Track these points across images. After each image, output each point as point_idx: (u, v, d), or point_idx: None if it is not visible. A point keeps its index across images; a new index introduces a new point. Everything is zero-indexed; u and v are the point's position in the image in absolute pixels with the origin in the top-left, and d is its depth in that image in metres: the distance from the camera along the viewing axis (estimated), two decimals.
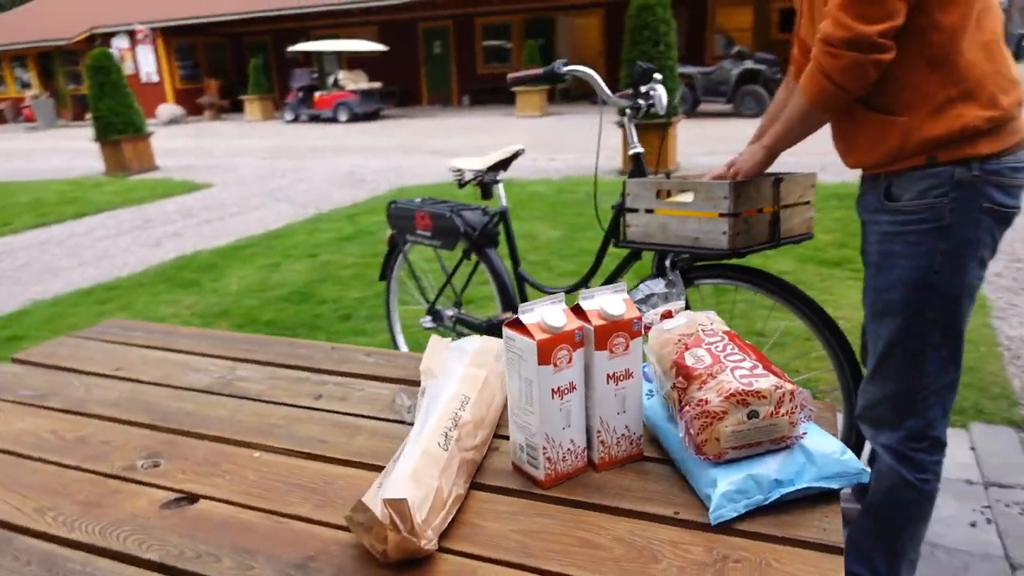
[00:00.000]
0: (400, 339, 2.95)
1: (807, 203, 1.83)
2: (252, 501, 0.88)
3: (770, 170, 1.69)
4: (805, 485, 0.79)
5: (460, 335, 2.61)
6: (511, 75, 2.02)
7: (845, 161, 1.44)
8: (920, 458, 1.41)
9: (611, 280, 2.12)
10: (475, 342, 1.08)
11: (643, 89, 1.99)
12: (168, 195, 8.22)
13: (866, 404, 1.47)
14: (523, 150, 2.38)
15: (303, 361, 1.31)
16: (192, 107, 22.39)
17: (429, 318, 2.68)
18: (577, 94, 21.98)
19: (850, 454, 0.82)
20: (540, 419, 0.85)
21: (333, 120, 18.03)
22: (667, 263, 1.93)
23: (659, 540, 0.76)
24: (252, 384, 1.23)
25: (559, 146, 10.88)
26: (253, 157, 11.55)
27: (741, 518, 0.78)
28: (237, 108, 23.00)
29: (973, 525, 1.89)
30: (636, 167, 2.00)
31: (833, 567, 0.70)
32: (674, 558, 0.73)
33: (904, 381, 1.37)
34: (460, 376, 0.99)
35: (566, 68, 1.94)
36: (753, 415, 0.80)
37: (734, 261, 1.90)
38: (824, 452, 0.81)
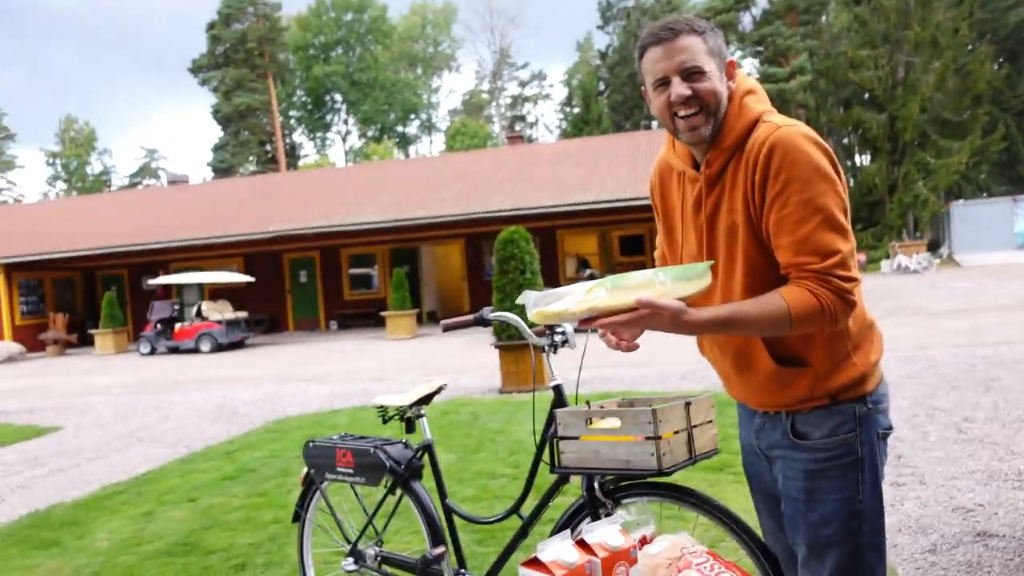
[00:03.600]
0: None
1: (710, 421, 2.09)
2: None
3: (678, 395, 1.95)
4: None
5: None
6: (444, 322, 2.24)
7: (747, 402, 1.63)
8: None
9: (544, 503, 2.23)
10: None
11: (557, 329, 2.27)
12: (6, 443, 7.44)
13: None
14: (445, 385, 2.54)
15: None
16: (34, 344, 20.95)
17: (351, 560, 2.60)
18: (442, 317, 22.84)
19: None
20: None
21: (195, 351, 17.49)
22: (596, 484, 2.08)
23: None
24: None
25: (435, 367, 11.14)
26: (109, 394, 10.84)
27: None
28: (87, 342, 21.76)
29: None
30: (558, 397, 2.21)
31: None
32: None
33: None
34: None
35: (492, 315, 2.19)
36: None
37: (658, 479, 2.08)
38: None
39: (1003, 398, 5.77)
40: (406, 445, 2.56)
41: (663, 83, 1.46)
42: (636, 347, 1.51)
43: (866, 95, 30.03)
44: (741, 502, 3.75)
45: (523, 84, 56.24)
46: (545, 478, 2.21)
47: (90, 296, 23.73)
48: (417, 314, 18.66)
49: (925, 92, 27.25)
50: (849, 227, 1.40)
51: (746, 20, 37.46)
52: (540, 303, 1.42)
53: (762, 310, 1.36)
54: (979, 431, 4.87)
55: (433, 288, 23.18)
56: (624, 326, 1.34)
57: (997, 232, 25.33)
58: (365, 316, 21.40)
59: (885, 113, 28.36)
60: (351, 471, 2.53)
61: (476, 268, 21.64)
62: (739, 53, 38.91)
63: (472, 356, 11.41)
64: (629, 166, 19.52)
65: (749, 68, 36.78)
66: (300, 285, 22.74)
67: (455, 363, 11.34)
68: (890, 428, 1.55)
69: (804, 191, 1.36)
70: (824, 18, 35.88)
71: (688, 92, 1.43)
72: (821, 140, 1.42)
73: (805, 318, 1.34)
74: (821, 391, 1.49)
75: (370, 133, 54.94)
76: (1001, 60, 33.58)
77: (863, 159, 34.38)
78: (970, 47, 29.48)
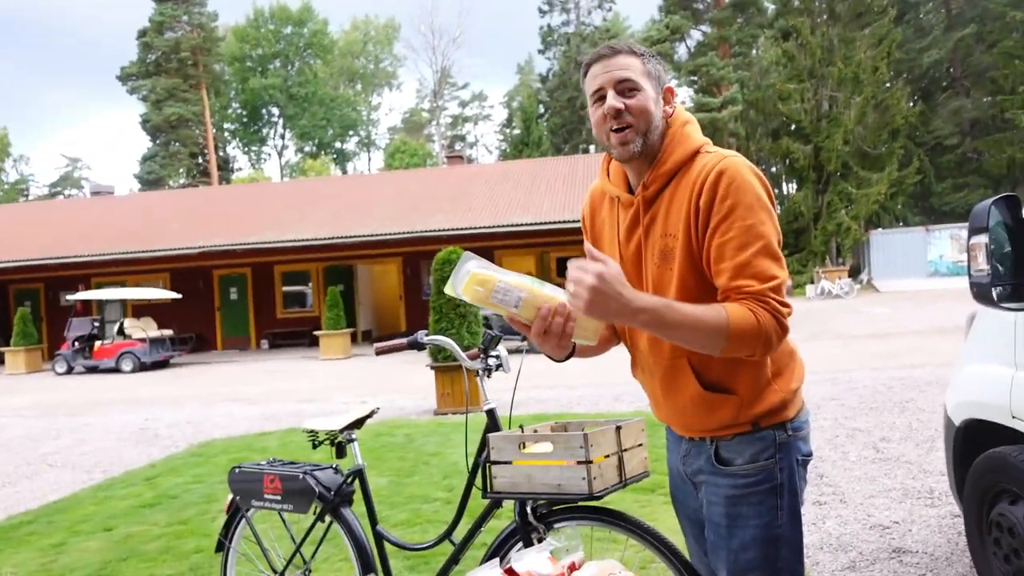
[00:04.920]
0: None
1: (641, 445, 2.12)
2: None
3: (610, 418, 1.97)
4: None
5: None
6: (377, 345, 2.21)
7: (672, 424, 1.67)
8: None
9: (476, 528, 2.21)
10: None
11: (491, 352, 2.27)
12: None
13: None
14: (378, 409, 2.50)
15: None
16: None
17: None
18: (378, 337, 22.56)
19: None
20: None
21: (116, 371, 16.73)
22: (528, 509, 2.08)
23: None
24: None
25: (369, 388, 10.96)
26: (19, 416, 10.25)
27: None
28: None
29: None
30: (491, 421, 2.20)
31: None
32: None
33: None
34: None
35: (426, 339, 2.18)
36: None
37: (589, 503, 2.10)
38: None
39: (916, 418, 6.06)
40: (336, 470, 2.51)
41: (600, 97, 1.51)
42: (568, 346, 1.54)
43: (793, 126, 31.35)
44: (671, 523, 3.80)
45: (464, 104, 56.56)
46: (478, 502, 2.20)
47: (2, 312, 22.47)
48: (352, 333, 18.37)
49: (847, 125, 28.63)
50: (783, 258, 1.46)
51: (681, 51, 38.76)
52: (481, 267, 1.46)
53: (702, 313, 1.35)
54: (895, 450, 5.09)
55: (369, 307, 22.88)
56: (588, 276, 1.31)
57: (912, 260, 26.68)
58: (298, 335, 20.93)
59: (811, 144, 29.64)
60: (279, 498, 2.46)
61: (414, 287, 21.48)
62: (675, 82, 40.01)
63: (407, 377, 11.29)
64: (568, 188, 19.82)
65: (684, 97, 37.97)
66: (230, 302, 22.09)
67: (390, 384, 11.19)
68: (810, 455, 1.61)
69: (747, 218, 1.40)
70: (755, 51, 37.41)
71: (620, 105, 1.48)
72: (761, 174, 1.48)
73: (740, 334, 1.35)
74: (744, 417, 1.53)
75: (307, 148, 54.13)
76: (916, 98, 35.62)
77: (790, 188, 35.79)
78: (888, 84, 31.17)
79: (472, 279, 1.43)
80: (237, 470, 2.57)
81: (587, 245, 1.44)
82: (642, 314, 1.33)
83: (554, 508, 2.08)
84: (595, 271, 1.30)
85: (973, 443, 2.77)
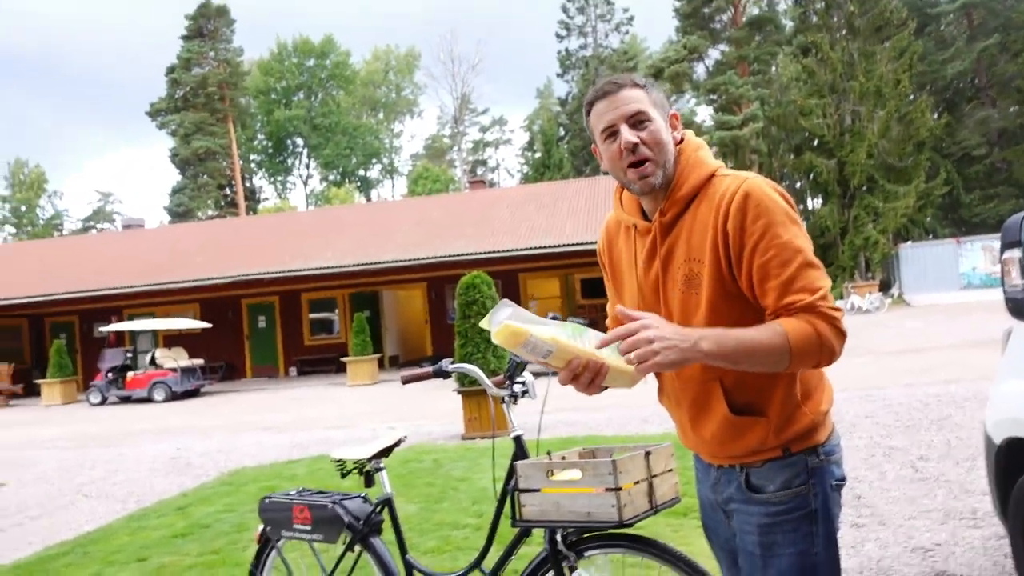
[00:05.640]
0: None
1: (671, 470, 2.09)
2: None
3: (639, 442, 1.95)
4: None
5: None
6: (403, 375, 2.22)
7: (700, 452, 1.64)
8: None
9: (507, 557, 2.19)
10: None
11: (517, 379, 2.26)
12: None
13: None
14: (405, 437, 2.51)
15: None
16: None
17: None
18: (405, 363, 22.63)
19: None
20: None
21: (148, 400, 16.97)
22: (558, 537, 2.06)
23: None
24: None
25: (397, 414, 10.98)
26: (55, 447, 10.41)
27: None
28: (34, 392, 20.95)
29: None
30: (518, 448, 2.19)
31: None
32: None
33: None
34: None
35: (452, 367, 2.18)
36: None
37: (619, 530, 2.07)
38: None
39: (955, 436, 5.90)
40: (365, 499, 2.51)
41: (612, 133, 1.51)
42: (599, 391, 1.51)
43: (816, 141, 31.11)
44: (704, 548, 3.73)
45: (484, 129, 57.08)
46: (508, 529, 2.18)
47: (38, 344, 22.96)
48: (379, 359, 18.45)
49: (871, 139, 28.36)
50: (823, 266, 1.46)
51: (700, 70, 38.80)
52: (513, 319, 1.46)
53: (762, 337, 1.36)
54: (934, 469, 4.96)
55: (395, 332, 22.98)
56: (645, 335, 1.31)
57: (943, 273, 26.21)
58: (326, 362, 21.07)
59: (835, 159, 29.38)
60: (308, 528, 2.47)
61: (438, 312, 21.56)
62: (693, 101, 40.17)
63: (434, 402, 11.29)
64: (589, 209, 19.82)
65: (704, 116, 37.97)
66: (258, 331, 22.34)
67: (417, 409, 11.19)
68: (843, 479, 1.57)
69: (782, 234, 1.41)
70: (773, 68, 37.34)
71: (635, 139, 1.48)
72: (782, 189, 1.48)
73: (803, 349, 1.36)
74: (774, 442, 1.50)
75: (331, 177, 54.92)
76: (940, 110, 35.23)
77: (815, 202, 35.45)
78: (911, 97, 30.88)
79: (504, 330, 1.44)
80: (267, 500, 2.58)
81: (620, 308, 1.43)
82: (705, 346, 1.34)
83: (584, 536, 2.06)
84: (648, 331, 1.32)
85: (1016, 462, 2.69)
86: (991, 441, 2.86)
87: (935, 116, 32.57)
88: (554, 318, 1.60)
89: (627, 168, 1.50)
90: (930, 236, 33.59)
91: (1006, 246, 2.24)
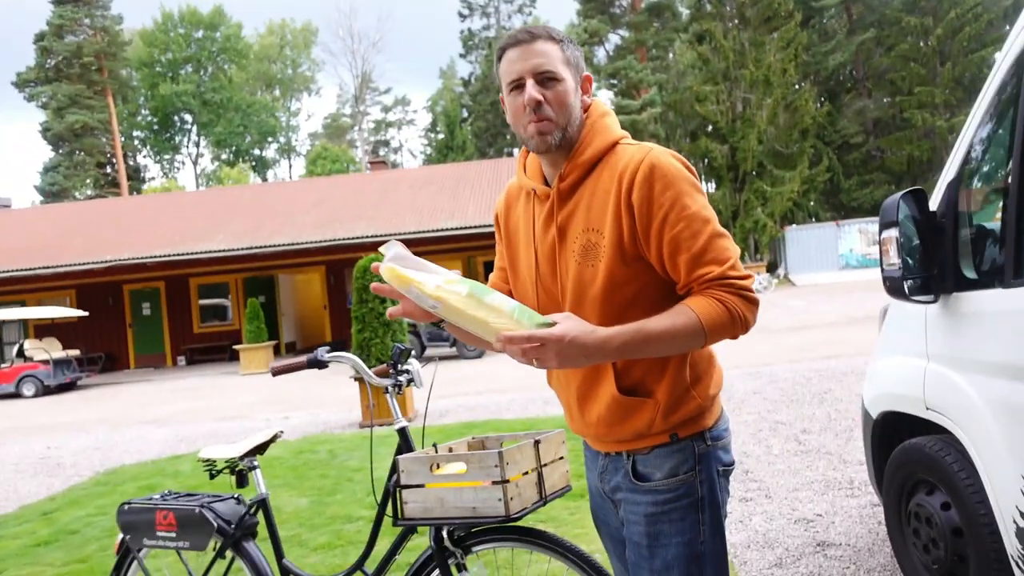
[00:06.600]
0: None
1: (562, 458, 2.02)
2: None
3: (529, 432, 1.86)
4: None
5: None
6: (274, 367, 2.04)
7: (586, 436, 1.57)
8: None
9: (389, 559, 2.06)
10: None
11: (401, 367, 2.13)
12: None
13: None
14: (282, 432, 2.32)
15: None
16: None
17: None
18: (302, 349, 21.94)
19: None
20: None
21: (16, 396, 15.66)
22: (444, 533, 1.95)
23: None
24: None
25: (292, 403, 10.59)
26: None
27: None
28: None
29: None
30: (403, 441, 2.06)
31: None
32: None
33: None
34: None
35: (327, 356, 2.02)
36: None
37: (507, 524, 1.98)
38: None
39: (835, 408, 6.22)
40: (239, 500, 2.31)
41: (518, 85, 1.45)
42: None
43: (710, 127, 32.27)
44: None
45: (386, 109, 55.90)
46: (392, 527, 2.05)
47: None
48: (275, 346, 17.78)
49: (760, 126, 29.67)
50: (728, 233, 1.44)
51: (600, 54, 39.37)
52: (398, 262, 1.41)
53: (674, 324, 1.34)
54: (815, 442, 5.19)
55: (292, 318, 22.21)
56: (534, 353, 1.29)
57: (824, 254, 27.85)
58: (218, 350, 20.14)
59: (727, 144, 30.58)
60: (173, 535, 2.25)
61: (338, 296, 20.99)
62: (595, 85, 40.74)
63: (333, 389, 10.94)
64: (492, 191, 19.74)
65: (604, 99, 38.56)
66: (143, 318, 21.05)
67: (314, 397, 10.83)
68: (731, 464, 1.54)
69: (690, 205, 1.38)
70: (671, 55, 38.35)
71: (540, 97, 1.42)
72: (684, 159, 1.46)
73: (717, 327, 1.35)
74: (660, 426, 1.45)
75: (224, 156, 52.35)
76: (823, 99, 37.24)
77: (709, 187, 36.83)
78: (797, 86, 32.48)
79: (388, 272, 1.40)
80: (126, 506, 2.34)
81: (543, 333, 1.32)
82: (614, 347, 1.33)
83: (472, 531, 1.96)
84: (555, 344, 1.29)
85: (890, 435, 2.80)
86: (868, 415, 2.96)
87: (818, 105, 34.40)
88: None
89: (527, 123, 1.44)
90: (813, 219, 35.60)
91: (884, 226, 2.29)
